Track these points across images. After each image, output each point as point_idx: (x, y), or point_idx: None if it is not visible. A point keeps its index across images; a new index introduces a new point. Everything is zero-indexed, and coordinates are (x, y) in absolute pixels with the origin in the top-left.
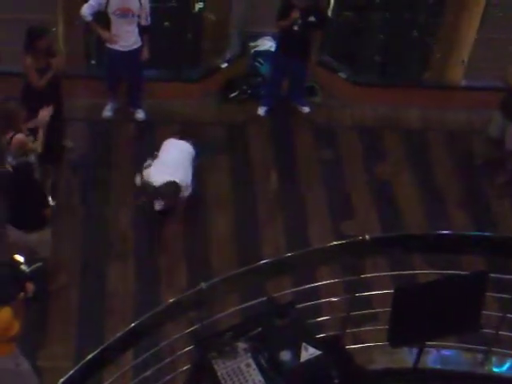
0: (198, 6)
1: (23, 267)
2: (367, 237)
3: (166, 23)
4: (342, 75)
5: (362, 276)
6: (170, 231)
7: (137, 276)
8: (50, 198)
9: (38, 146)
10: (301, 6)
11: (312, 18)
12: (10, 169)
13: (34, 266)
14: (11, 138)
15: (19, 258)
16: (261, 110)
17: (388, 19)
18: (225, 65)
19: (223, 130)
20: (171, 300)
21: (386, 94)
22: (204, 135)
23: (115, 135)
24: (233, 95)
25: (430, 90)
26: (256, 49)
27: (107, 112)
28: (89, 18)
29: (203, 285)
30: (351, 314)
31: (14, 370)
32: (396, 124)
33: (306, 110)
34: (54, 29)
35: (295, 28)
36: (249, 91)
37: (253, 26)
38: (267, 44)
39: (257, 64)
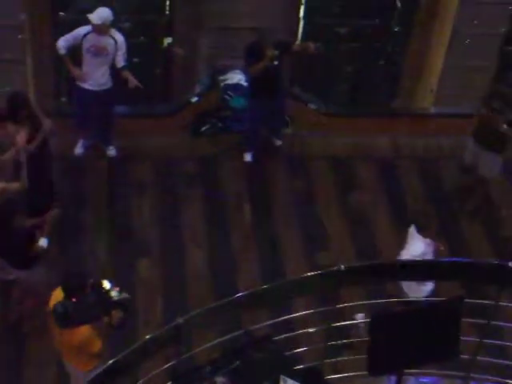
0: (167, 41)
1: (113, 293)
2: (342, 266)
3: (136, 59)
4: (312, 106)
5: (338, 306)
6: None
7: None
8: (43, 239)
9: (21, 183)
10: (270, 44)
11: (276, 52)
12: None
13: (123, 296)
14: None
15: (106, 283)
16: (247, 157)
17: (355, 49)
18: (195, 99)
19: (195, 164)
20: (148, 336)
21: (357, 123)
22: (176, 170)
23: (88, 172)
24: (204, 129)
25: (399, 117)
26: (225, 82)
27: (79, 149)
28: (63, 51)
29: (180, 319)
30: (328, 344)
31: None
32: (367, 152)
33: (279, 142)
34: (22, 67)
35: (275, 63)
36: (219, 124)
37: (221, 59)
38: (236, 77)
39: (227, 97)
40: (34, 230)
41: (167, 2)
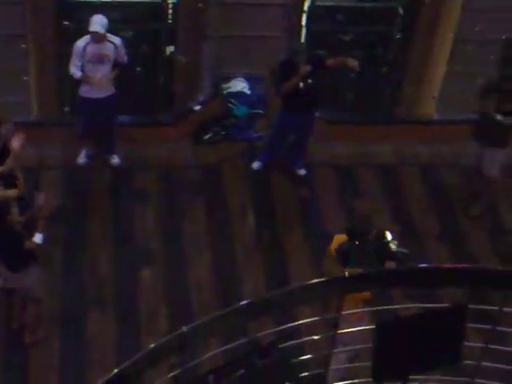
0: (170, 49)
1: (392, 246)
2: (346, 274)
3: (138, 68)
4: (315, 114)
5: (343, 313)
6: None
7: (117, 322)
8: (38, 235)
9: (19, 189)
10: (303, 60)
11: (309, 68)
12: None
13: (400, 250)
14: None
15: (389, 235)
16: (255, 165)
17: (358, 57)
18: (198, 107)
19: (198, 172)
20: (152, 345)
21: (359, 131)
22: (180, 178)
23: (92, 182)
24: (207, 137)
25: (401, 125)
26: (229, 90)
27: (82, 159)
28: (79, 74)
29: (184, 328)
30: (334, 351)
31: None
32: (370, 160)
33: (302, 172)
34: (25, 78)
35: (309, 81)
36: (222, 132)
37: (225, 67)
38: (240, 85)
39: (230, 105)
40: (25, 227)
41: (170, 11)
